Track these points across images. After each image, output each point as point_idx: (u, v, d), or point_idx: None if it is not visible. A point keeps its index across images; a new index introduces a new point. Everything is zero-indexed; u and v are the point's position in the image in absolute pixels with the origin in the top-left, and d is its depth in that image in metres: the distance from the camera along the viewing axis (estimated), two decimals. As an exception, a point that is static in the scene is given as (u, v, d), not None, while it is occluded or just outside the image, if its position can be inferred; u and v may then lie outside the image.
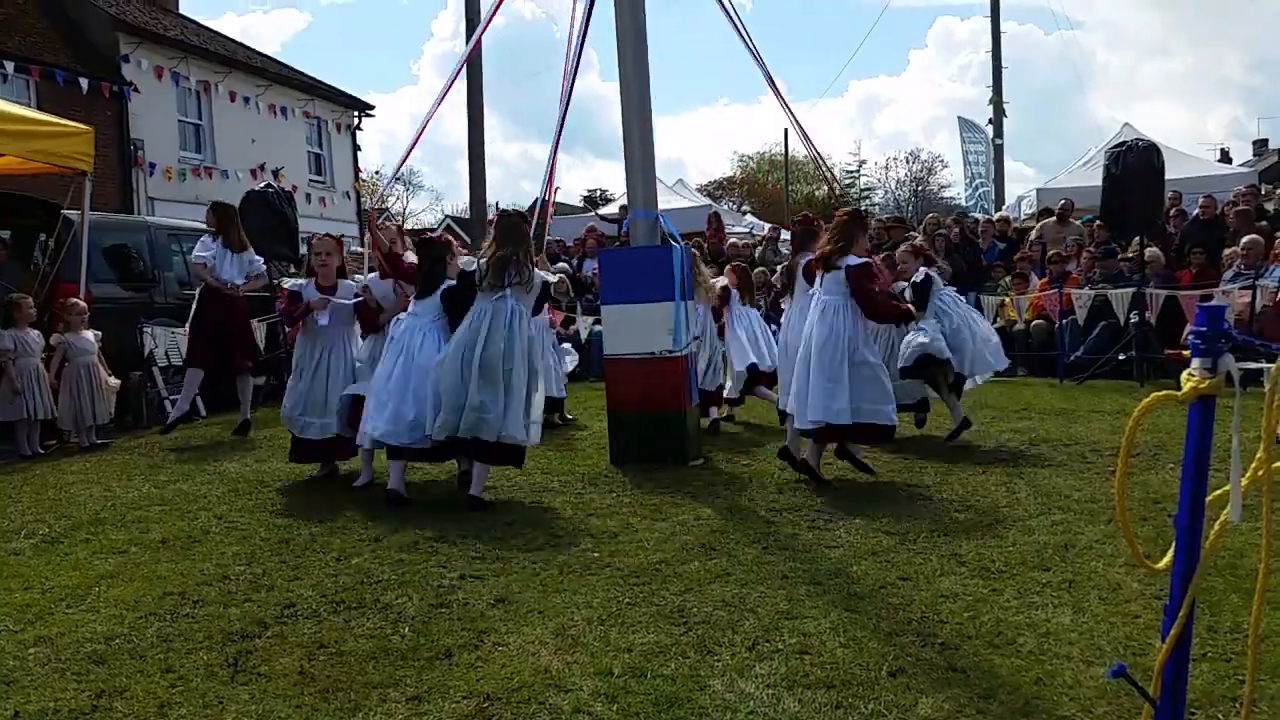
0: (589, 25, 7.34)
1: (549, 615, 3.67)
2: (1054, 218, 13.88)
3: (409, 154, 10.10)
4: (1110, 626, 3.37)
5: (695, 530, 4.85)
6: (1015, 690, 2.92)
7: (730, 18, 7.60)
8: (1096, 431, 7.05)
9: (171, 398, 9.70)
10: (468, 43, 18.78)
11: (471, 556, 4.48)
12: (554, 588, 3.99)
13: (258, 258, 8.82)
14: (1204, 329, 1.75)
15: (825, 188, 53.05)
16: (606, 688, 3.01)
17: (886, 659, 3.16)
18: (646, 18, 6.76)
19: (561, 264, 13.75)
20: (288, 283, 7.45)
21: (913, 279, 7.07)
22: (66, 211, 9.32)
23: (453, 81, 7.32)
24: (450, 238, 6.30)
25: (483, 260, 5.49)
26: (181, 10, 23.59)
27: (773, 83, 8.08)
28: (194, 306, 8.54)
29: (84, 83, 17.20)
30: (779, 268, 8.56)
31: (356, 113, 25.99)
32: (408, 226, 41.66)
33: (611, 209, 18.28)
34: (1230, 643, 3.16)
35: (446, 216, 38.88)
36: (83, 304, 8.34)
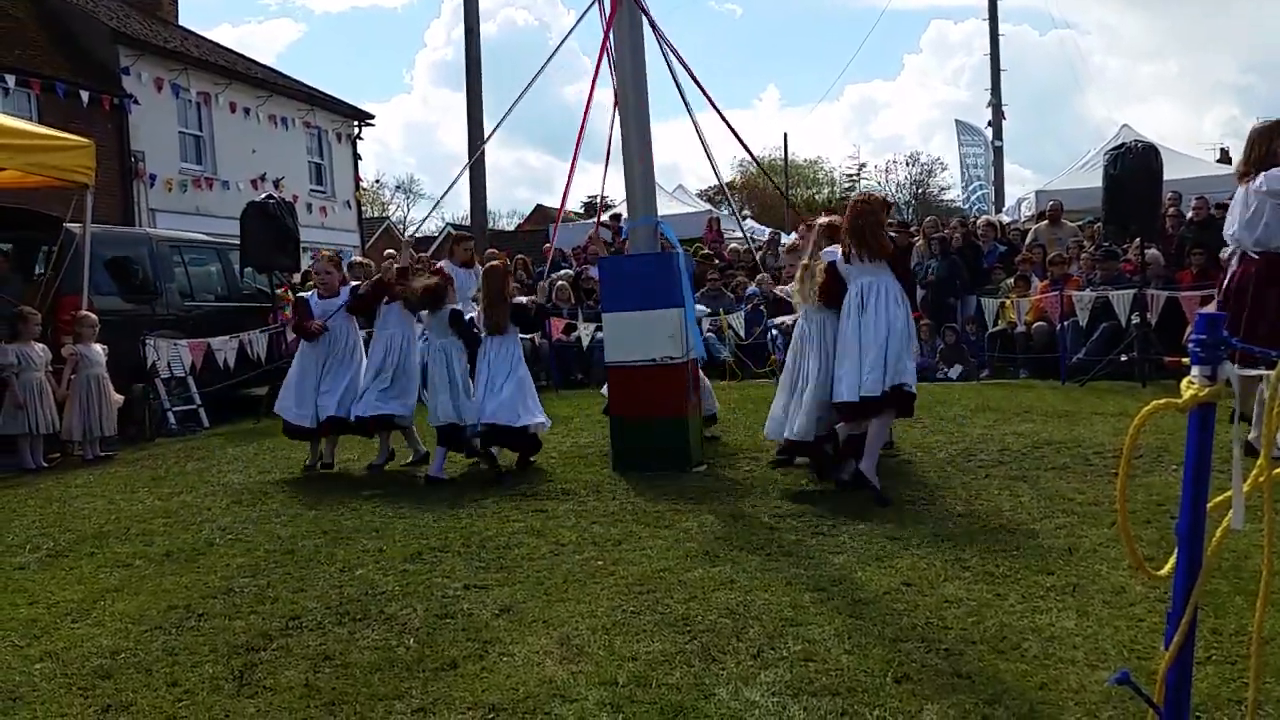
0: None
1: (553, 625, 3.67)
2: (1045, 221, 13.92)
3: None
4: (1115, 630, 3.37)
5: (698, 537, 4.85)
6: (1020, 696, 2.91)
7: (661, 40, 7.28)
8: (1099, 433, 7.03)
9: (175, 410, 9.75)
10: (466, 50, 18.82)
11: (475, 566, 4.48)
12: (558, 597, 4.00)
13: None
14: (1203, 336, 1.75)
15: (826, 191, 53.23)
16: (611, 697, 3.01)
17: (891, 665, 3.16)
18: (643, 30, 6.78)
19: (564, 270, 13.81)
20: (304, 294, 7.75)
21: None
22: (68, 224, 9.35)
23: (500, 123, 7.29)
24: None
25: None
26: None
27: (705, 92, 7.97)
28: None
29: (85, 95, 17.25)
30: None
31: (357, 122, 26.01)
32: (410, 234, 41.81)
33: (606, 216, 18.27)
34: (1235, 646, 3.16)
35: (447, 224, 38.87)
36: (94, 316, 8.37)
